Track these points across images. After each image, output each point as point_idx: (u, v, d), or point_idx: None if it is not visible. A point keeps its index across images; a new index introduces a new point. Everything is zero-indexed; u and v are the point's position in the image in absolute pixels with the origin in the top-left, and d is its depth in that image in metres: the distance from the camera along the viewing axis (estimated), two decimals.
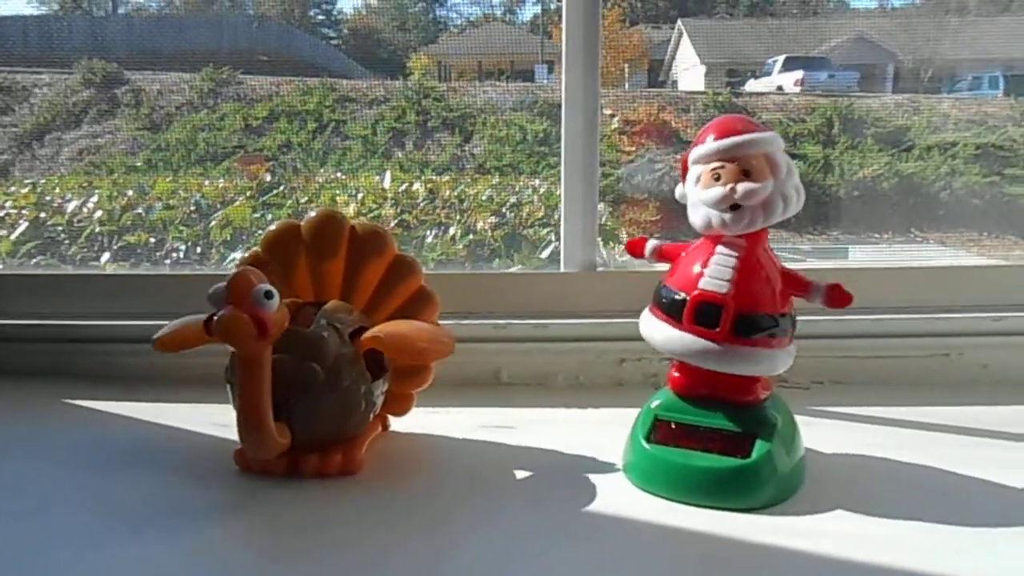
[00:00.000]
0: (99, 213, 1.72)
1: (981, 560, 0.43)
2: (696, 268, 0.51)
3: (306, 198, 2.01)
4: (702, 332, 0.50)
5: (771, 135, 0.51)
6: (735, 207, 0.50)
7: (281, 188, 2.03)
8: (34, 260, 1.60)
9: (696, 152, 0.52)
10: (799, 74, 3.39)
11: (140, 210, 1.74)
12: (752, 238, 0.51)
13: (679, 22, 3.70)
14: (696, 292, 0.50)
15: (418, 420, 0.62)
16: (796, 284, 0.51)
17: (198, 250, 1.69)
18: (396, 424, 0.62)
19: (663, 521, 0.48)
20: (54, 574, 0.44)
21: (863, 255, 2.55)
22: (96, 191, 1.89)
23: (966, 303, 0.73)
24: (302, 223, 0.59)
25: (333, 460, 0.54)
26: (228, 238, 1.68)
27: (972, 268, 0.76)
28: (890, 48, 3.34)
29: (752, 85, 3.54)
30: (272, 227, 0.59)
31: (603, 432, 0.60)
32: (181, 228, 1.72)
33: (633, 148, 2.94)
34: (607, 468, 0.55)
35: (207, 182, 2.09)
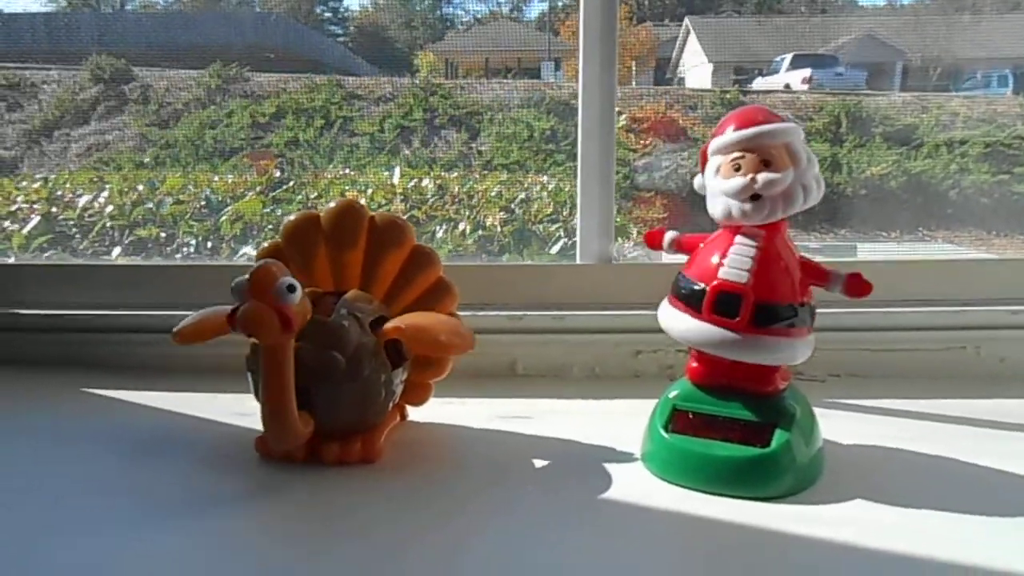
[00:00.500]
0: (110, 208, 1.73)
1: (998, 550, 0.43)
2: (715, 258, 0.51)
3: (315, 194, 2.01)
4: (722, 322, 0.50)
5: (792, 125, 0.51)
6: (755, 197, 0.50)
7: (291, 184, 2.04)
8: (46, 254, 1.61)
9: (716, 143, 0.52)
10: (807, 72, 3.38)
11: (151, 205, 1.74)
12: (771, 228, 0.51)
13: (686, 19, 3.70)
14: (715, 282, 0.51)
15: (435, 410, 0.62)
16: (816, 273, 0.51)
17: (208, 244, 1.70)
18: (414, 414, 0.62)
19: (682, 510, 0.48)
20: (75, 562, 0.44)
21: (871, 254, 2.55)
22: (107, 186, 1.90)
23: (983, 296, 0.72)
24: (322, 213, 0.59)
25: (353, 448, 0.54)
26: (238, 232, 1.68)
27: (989, 261, 0.76)
28: (899, 46, 3.33)
29: (760, 83, 3.53)
30: (292, 217, 0.59)
31: (619, 423, 0.61)
32: (192, 223, 1.72)
33: (640, 146, 2.93)
34: (625, 458, 0.55)
35: (216, 178, 2.10)
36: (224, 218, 1.69)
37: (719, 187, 0.51)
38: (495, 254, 1.62)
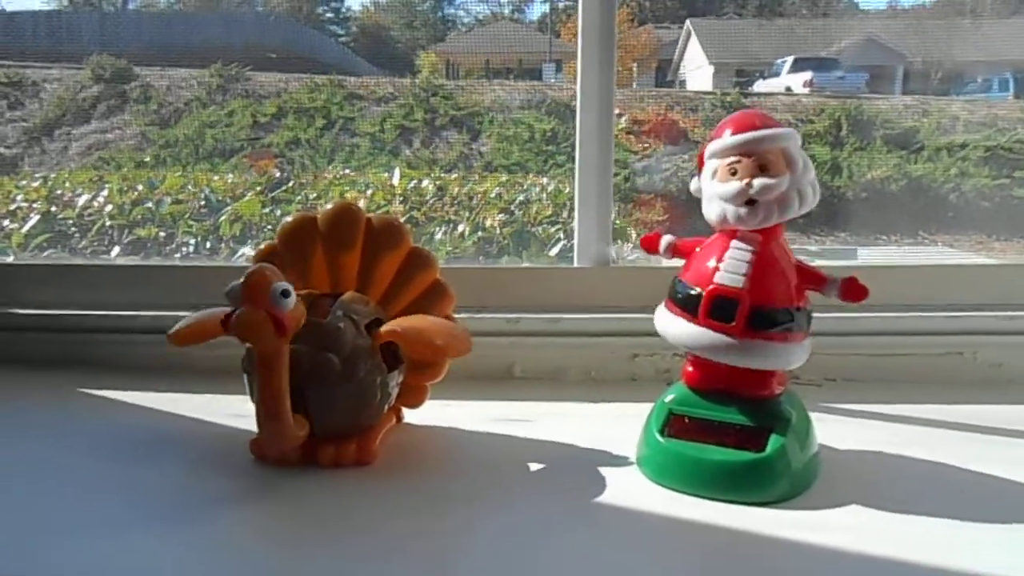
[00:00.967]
0: (109, 207, 1.73)
1: (995, 556, 0.43)
2: (711, 263, 0.51)
3: (315, 194, 2.01)
4: (718, 326, 0.50)
5: (789, 131, 0.51)
6: (751, 202, 0.50)
7: (290, 184, 2.04)
8: (45, 253, 1.61)
9: (713, 146, 0.52)
10: (808, 75, 3.39)
11: (150, 204, 1.75)
12: (767, 232, 0.51)
13: (688, 22, 3.70)
14: (711, 286, 0.51)
15: (432, 413, 0.62)
16: (811, 278, 0.51)
17: (208, 244, 1.70)
18: (410, 416, 0.62)
19: (677, 514, 0.48)
20: (71, 562, 0.44)
21: (871, 257, 2.55)
22: (106, 185, 1.90)
23: (980, 301, 0.72)
24: (319, 215, 0.59)
25: (348, 451, 0.54)
26: (238, 233, 1.68)
27: (986, 267, 0.76)
28: (900, 49, 3.34)
29: (761, 85, 3.54)
30: (289, 219, 0.60)
31: (616, 426, 0.60)
32: (191, 223, 1.72)
33: (641, 147, 2.94)
34: (620, 461, 0.55)
35: (216, 177, 2.10)
36: (223, 218, 1.69)
37: (715, 191, 0.51)
38: (494, 256, 1.62)
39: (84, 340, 0.76)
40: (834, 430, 0.59)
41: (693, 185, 0.55)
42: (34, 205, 1.72)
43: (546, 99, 3.10)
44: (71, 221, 1.70)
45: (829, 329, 0.69)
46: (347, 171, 2.47)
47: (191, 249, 1.69)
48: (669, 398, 0.55)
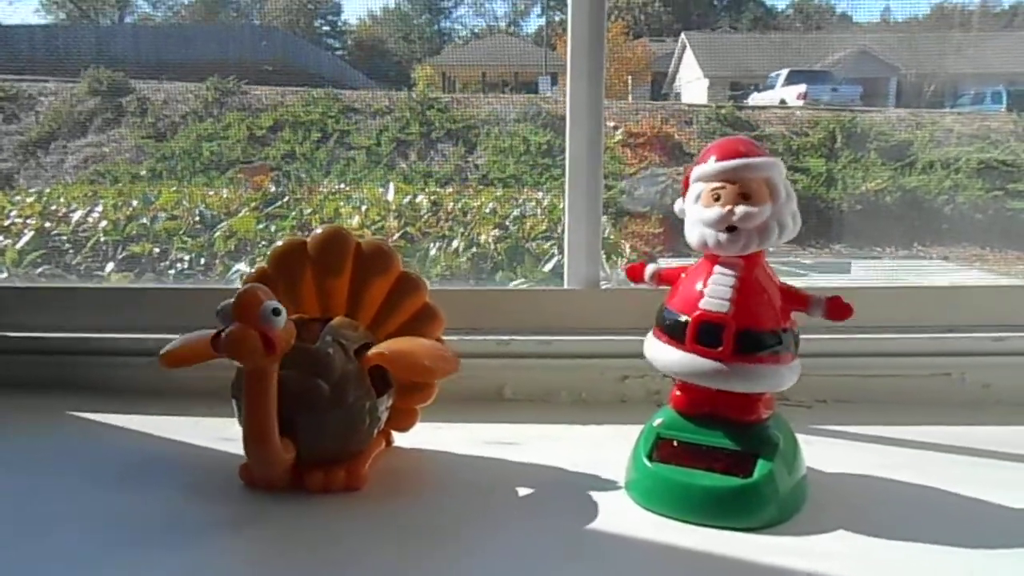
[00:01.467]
0: (104, 223, 1.73)
1: None
2: (695, 289, 0.52)
3: (310, 210, 2.01)
4: (705, 352, 0.50)
5: (773, 160, 0.51)
6: (731, 228, 0.50)
7: (286, 199, 2.04)
8: (39, 269, 1.61)
9: (698, 171, 0.52)
10: (802, 88, 3.40)
11: (145, 220, 1.75)
12: (749, 257, 0.51)
13: (682, 35, 3.71)
14: (697, 312, 0.51)
15: (422, 436, 0.62)
16: (795, 299, 0.52)
17: (202, 261, 1.70)
18: (400, 439, 0.62)
19: (664, 540, 0.48)
20: None
21: (865, 269, 2.55)
22: (101, 201, 1.90)
23: (968, 323, 0.73)
24: (308, 239, 0.59)
25: (337, 476, 0.54)
26: (232, 249, 1.68)
27: (974, 288, 0.76)
28: (893, 62, 3.35)
29: (755, 98, 3.55)
30: (279, 243, 0.60)
31: (606, 449, 0.61)
32: (185, 239, 1.72)
33: (636, 161, 2.94)
34: (609, 486, 0.55)
35: (211, 192, 2.10)
36: (218, 234, 1.69)
37: (697, 215, 0.52)
38: (488, 271, 1.62)
39: (73, 363, 0.76)
40: (823, 453, 0.59)
41: (677, 206, 0.55)
42: (28, 221, 1.72)
43: (541, 112, 3.11)
44: (65, 237, 1.70)
45: (819, 350, 0.69)
46: (342, 186, 2.47)
47: (185, 266, 1.69)
48: (657, 422, 0.55)
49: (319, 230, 0.59)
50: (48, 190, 2.21)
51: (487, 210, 1.84)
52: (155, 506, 0.53)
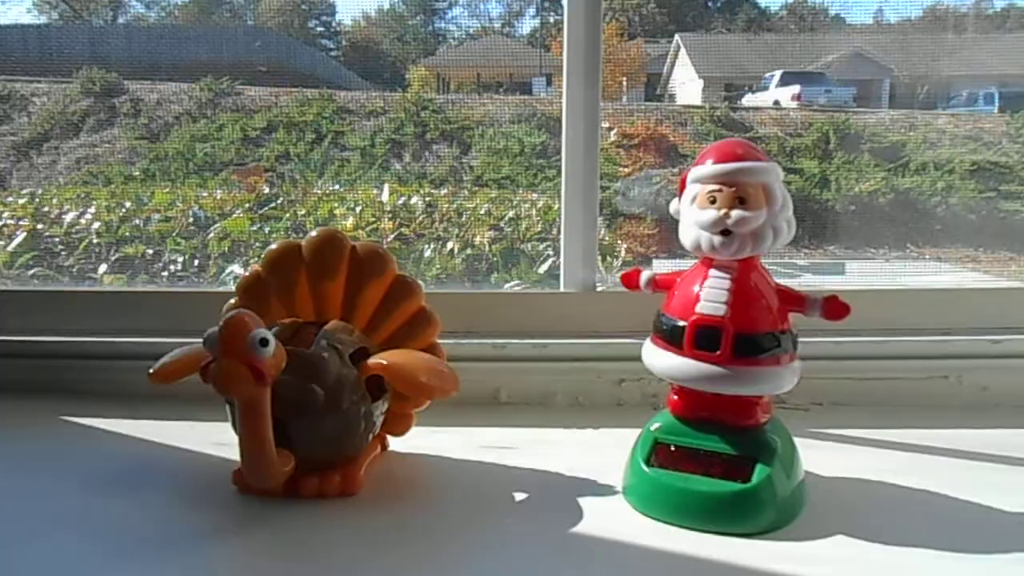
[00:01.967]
0: (97, 224, 1.72)
1: None
2: (692, 294, 0.52)
3: (304, 211, 2.01)
4: (704, 356, 0.50)
5: (771, 165, 0.51)
6: (726, 232, 0.50)
7: (280, 201, 2.03)
8: (31, 271, 1.60)
9: (695, 172, 0.52)
10: (796, 89, 3.40)
11: (138, 222, 1.74)
12: (745, 260, 0.51)
13: (677, 36, 3.71)
14: (694, 317, 0.51)
15: (417, 440, 0.61)
16: (792, 300, 0.51)
17: (196, 262, 1.69)
18: (395, 444, 0.62)
19: (662, 546, 0.48)
20: None
21: (859, 270, 2.56)
22: (94, 202, 1.89)
23: (965, 325, 0.73)
24: (303, 242, 0.59)
25: (332, 482, 0.54)
26: (226, 250, 1.67)
27: (971, 290, 0.76)
28: (886, 64, 3.36)
29: (749, 99, 3.55)
30: (273, 246, 0.59)
31: (603, 453, 0.60)
32: (179, 240, 1.72)
33: (631, 162, 2.94)
34: (606, 491, 0.55)
35: (205, 194, 2.09)
36: (212, 236, 1.69)
37: (692, 217, 0.52)
38: (484, 273, 1.61)
39: (67, 366, 0.75)
40: (821, 457, 0.59)
41: (672, 207, 0.55)
42: (21, 223, 1.71)
43: (536, 113, 3.11)
44: (58, 239, 1.69)
45: (816, 353, 0.69)
46: (336, 187, 2.47)
47: (179, 267, 1.68)
48: (655, 426, 0.54)
49: (314, 233, 0.59)
50: (40, 191, 2.20)
51: (482, 211, 1.83)
52: (148, 511, 0.53)
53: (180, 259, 1.69)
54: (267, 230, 1.81)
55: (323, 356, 0.52)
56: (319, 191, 2.35)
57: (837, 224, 2.83)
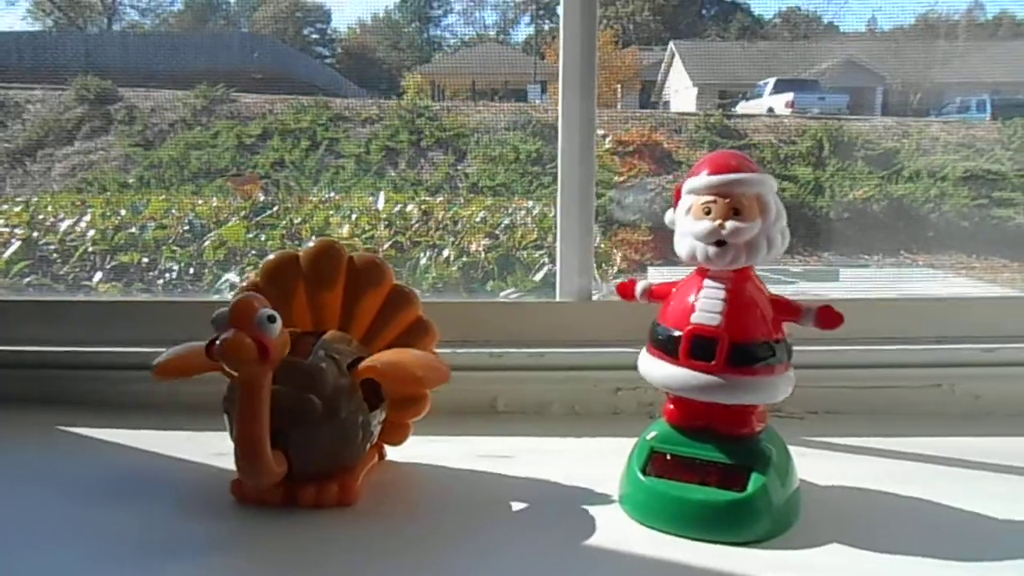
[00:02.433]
0: (92, 232, 1.72)
1: None
2: (687, 304, 0.52)
3: (300, 218, 2.01)
4: (699, 366, 0.50)
5: (765, 177, 0.51)
6: (721, 243, 0.50)
7: (275, 208, 2.03)
8: (26, 280, 1.60)
9: (690, 183, 0.53)
10: (790, 96, 3.42)
11: (133, 229, 1.74)
12: (739, 270, 0.52)
13: (671, 44, 3.73)
14: (689, 327, 0.51)
15: (415, 449, 0.62)
16: (786, 309, 0.52)
17: (191, 270, 1.69)
18: (393, 453, 0.62)
19: (658, 554, 0.48)
20: None
21: (853, 277, 2.57)
22: (89, 210, 1.89)
23: (959, 334, 0.73)
24: (301, 253, 0.59)
25: (330, 491, 0.54)
26: (222, 258, 1.67)
27: (964, 299, 0.77)
28: (879, 71, 3.38)
29: (743, 107, 3.56)
30: (271, 257, 0.60)
31: (599, 462, 0.61)
32: (174, 248, 1.71)
33: (626, 169, 2.95)
34: (603, 500, 0.55)
35: (200, 201, 2.09)
36: (207, 244, 1.69)
37: (688, 227, 0.52)
38: (479, 281, 1.62)
39: (64, 376, 0.75)
40: (815, 465, 0.60)
41: (668, 217, 0.55)
42: (15, 231, 1.70)
43: (531, 120, 3.11)
44: (53, 247, 1.69)
45: (810, 362, 0.69)
46: (332, 194, 2.47)
47: (174, 275, 1.68)
48: (651, 435, 0.55)
49: (311, 243, 0.59)
50: (35, 199, 2.20)
51: (477, 219, 1.84)
52: (146, 522, 0.53)
53: (176, 267, 1.69)
54: (263, 238, 1.81)
55: (321, 366, 0.52)
56: (314, 198, 2.35)
57: (831, 231, 2.84)
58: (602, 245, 1.98)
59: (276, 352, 0.47)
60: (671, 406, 0.54)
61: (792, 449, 0.54)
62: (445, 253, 1.67)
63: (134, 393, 0.74)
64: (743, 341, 0.50)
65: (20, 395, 0.76)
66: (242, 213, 1.93)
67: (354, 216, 1.92)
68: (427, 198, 2.27)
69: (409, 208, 1.89)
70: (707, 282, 0.52)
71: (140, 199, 2.11)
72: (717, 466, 0.52)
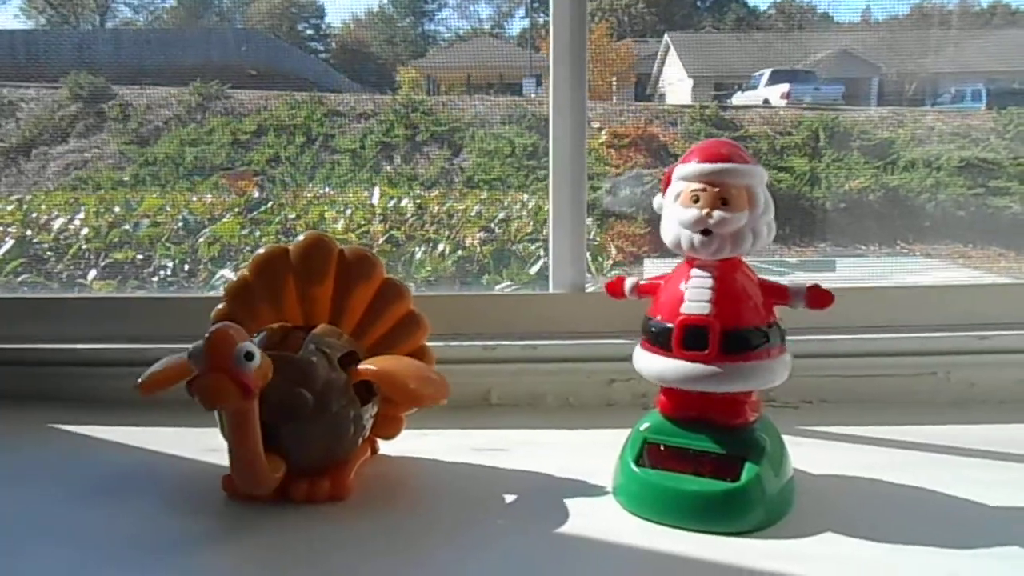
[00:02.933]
0: (86, 230, 1.72)
1: None
2: (676, 295, 0.52)
3: (294, 214, 2.00)
4: (692, 356, 0.50)
5: (756, 168, 0.51)
6: (706, 232, 0.50)
7: (269, 204, 2.03)
8: (20, 278, 1.59)
9: (680, 170, 0.52)
10: (785, 87, 3.41)
11: (127, 227, 1.73)
12: (726, 258, 0.51)
13: (666, 36, 3.72)
14: (680, 317, 0.51)
15: (408, 443, 0.61)
16: (776, 292, 0.52)
17: (185, 267, 1.68)
18: (385, 447, 0.62)
19: (652, 545, 0.48)
20: None
21: (850, 267, 2.56)
22: (83, 207, 1.88)
23: (952, 322, 0.73)
24: (290, 247, 0.59)
25: (322, 486, 0.53)
26: (216, 255, 1.67)
27: (958, 287, 0.76)
28: (874, 62, 3.37)
29: (739, 98, 3.56)
30: (260, 251, 0.59)
31: (593, 454, 0.60)
32: (168, 245, 1.71)
33: (622, 162, 2.95)
34: (597, 491, 0.55)
35: (195, 198, 2.08)
36: (202, 240, 1.68)
37: (675, 214, 0.52)
38: (475, 275, 1.61)
39: (56, 374, 0.75)
40: (810, 454, 0.59)
41: (656, 201, 0.55)
42: (9, 229, 1.70)
43: (526, 114, 3.10)
44: (47, 245, 1.68)
45: (805, 351, 0.69)
46: (327, 190, 2.46)
47: (168, 272, 1.68)
48: (644, 426, 0.55)
49: (301, 237, 0.59)
50: (29, 197, 2.19)
51: (472, 213, 1.83)
52: (138, 518, 0.53)
53: (170, 264, 1.68)
54: (257, 234, 1.80)
55: (311, 360, 0.52)
56: (309, 194, 2.34)
57: (827, 221, 2.84)
58: (597, 238, 1.98)
59: (257, 386, 0.47)
60: (664, 397, 0.54)
61: (786, 438, 0.54)
62: (440, 247, 1.66)
63: (126, 390, 0.72)
64: (735, 327, 0.50)
65: (12, 392, 0.75)
66: (236, 209, 1.92)
67: (349, 211, 1.91)
68: (422, 192, 2.26)
69: (404, 203, 1.88)
70: (694, 271, 0.52)
71: (134, 196, 2.11)
72: (711, 456, 0.51)
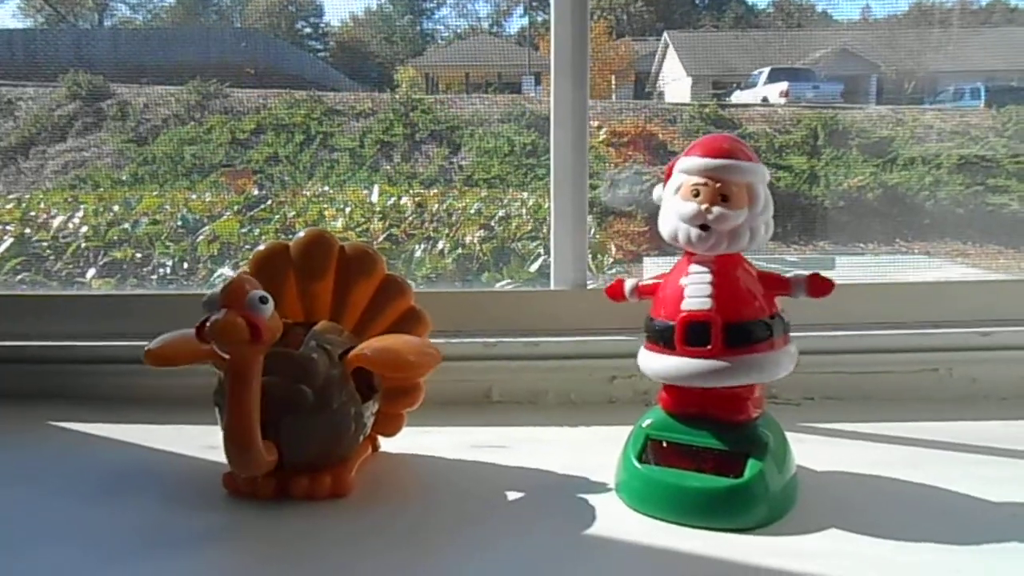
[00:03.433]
0: (85, 228, 1.71)
1: None
2: (676, 293, 0.52)
3: (294, 212, 2.00)
4: (696, 352, 0.50)
5: (757, 166, 0.51)
6: (704, 227, 0.50)
7: (269, 202, 2.02)
8: (19, 277, 1.59)
9: (683, 163, 0.52)
10: (784, 85, 3.41)
11: (126, 225, 1.73)
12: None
13: (665, 34, 3.72)
14: (682, 314, 0.51)
15: (409, 440, 0.61)
16: (776, 283, 0.52)
17: (185, 266, 1.68)
18: (387, 444, 0.61)
19: (655, 542, 0.48)
20: None
21: (849, 265, 2.56)
22: (82, 206, 1.87)
23: (955, 318, 0.73)
24: (291, 243, 0.58)
25: (323, 483, 0.53)
26: (215, 253, 1.67)
27: (960, 283, 0.76)
28: (873, 60, 3.37)
29: (738, 96, 3.56)
30: (261, 247, 0.59)
31: (595, 450, 0.60)
32: (168, 243, 1.71)
33: (621, 160, 2.94)
34: (599, 488, 0.55)
35: (194, 196, 2.08)
36: (201, 239, 1.68)
37: (674, 207, 0.51)
38: (474, 273, 1.61)
39: (55, 371, 0.75)
40: (812, 450, 0.59)
41: (656, 192, 0.55)
42: (8, 228, 1.69)
43: (525, 112, 3.10)
44: (46, 243, 1.68)
45: (807, 347, 0.68)
46: (326, 188, 2.46)
47: (168, 270, 1.67)
48: (646, 423, 0.54)
49: (301, 234, 0.59)
50: (28, 196, 2.18)
51: (472, 211, 1.83)
52: (138, 517, 0.52)
53: (169, 262, 1.68)
54: (256, 232, 1.80)
55: (312, 357, 0.52)
56: (308, 192, 2.34)
57: (826, 220, 2.84)
58: (598, 236, 1.98)
59: (268, 333, 0.47)
60: (665, 393, 0.54)
61: (789, 435, 0.54)
62: (440, 245, 1.66)
63: (124, 387, 0.73)
64: (737, 321, 0.50)
65: (11, 390, 0.75)
66: (236, 208, 1.92)
67: (348, 210, 1.91)
68: (422, 191, 2.26)
69: (403, 201, 1.88)
70: (692, 267, 0.51)
71: (133, 195, 2.10)
72: (713, 453, 0.51)
